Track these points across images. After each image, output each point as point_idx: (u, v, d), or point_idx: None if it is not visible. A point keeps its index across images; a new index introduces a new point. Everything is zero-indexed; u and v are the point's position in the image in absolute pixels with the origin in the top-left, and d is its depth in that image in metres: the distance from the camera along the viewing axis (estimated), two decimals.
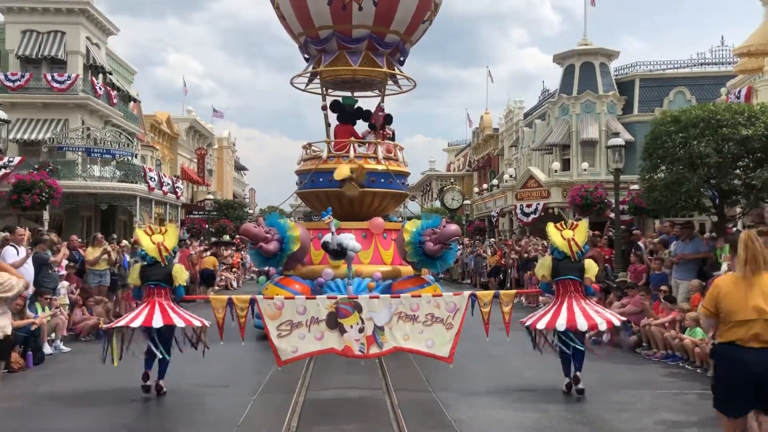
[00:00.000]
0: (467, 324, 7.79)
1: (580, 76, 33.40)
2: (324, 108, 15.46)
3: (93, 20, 31.54)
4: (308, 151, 15.41)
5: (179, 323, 7.66)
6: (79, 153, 28.52)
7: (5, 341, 5.47)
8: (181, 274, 7.99)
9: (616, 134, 14.49)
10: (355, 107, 15.95)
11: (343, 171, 13.67)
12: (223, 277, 25.13)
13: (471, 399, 7.88)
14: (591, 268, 8.24)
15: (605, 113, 32.86)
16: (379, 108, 15.45)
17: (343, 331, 7.48)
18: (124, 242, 18.36)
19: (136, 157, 31.77)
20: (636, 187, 22.19)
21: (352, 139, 14.71)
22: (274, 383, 8.45)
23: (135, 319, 7.59)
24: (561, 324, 7.67)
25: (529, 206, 32.55)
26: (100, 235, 15.61)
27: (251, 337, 8.88)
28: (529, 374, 9.19)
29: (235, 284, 26.47)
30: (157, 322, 7.49)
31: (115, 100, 32.83)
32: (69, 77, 29.41)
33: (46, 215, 26.84)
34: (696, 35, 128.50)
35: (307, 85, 16.09)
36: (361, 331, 7.49)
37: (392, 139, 15.40)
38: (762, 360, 4.50)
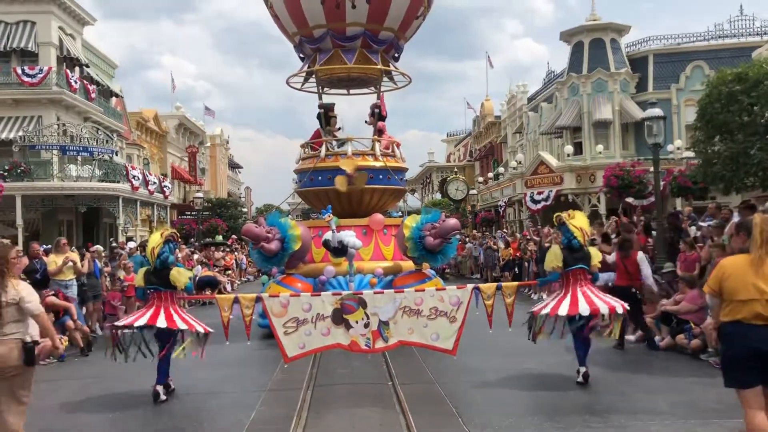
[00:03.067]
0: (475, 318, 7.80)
1: (590, 54, 31.33)
2: (320, 107, 15.38)
3: (65, 9, 29.24)
4: (306, 150, 15.38)
5: (181, 325, 7.63)
6: (54, 152, 26.28)
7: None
8: (178, 278, 7.86)
9: (654, 104, 12.41)
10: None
11: (347, 164, 13.77)
12: None
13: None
14: (596, 255, 8.23)
15: (618, 92, 30.81)
16: (375, 105, 15.49)
17: (348, 326, 7.55)
18: (96, 247, 16.27)
19: (117, 155, 29.55)
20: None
21: (353, 136, 14.94)
22: (278, 386, 8.36)
23: (138, 318, 7.67)
24: (563, 310, 7.65)
25: (540, 193, 30.39)
26: (63, 240, 13.78)
27: (255, 336, 8.73)
28: (541, 370, 8.80)
29: (229, 287, 24.29)
30: (161, 323, 7.51)
31: (93, 95, 30.55)
32: (41, 70, 27.15)
33: (19, 220, 24.76)
34: (712, 5, 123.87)
35: (303, 84, 16.27)
36: (366, 326, 7.55)
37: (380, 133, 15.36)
38: (764, 335, 4.66)
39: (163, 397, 7.67)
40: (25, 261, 11.91)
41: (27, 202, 25.14)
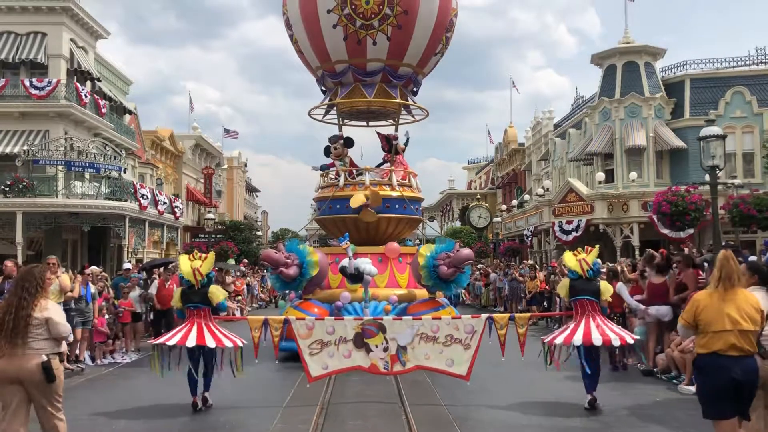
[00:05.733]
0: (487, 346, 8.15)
1: (623, 78, 29.85)
2: (340, 138, 15.74)
3: (78, 21, 28.22)
4: (326, 178, 15.83)
5: (210, 344, 7.97)
6: (59, 167, 25.06)
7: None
8: (217, 293, 8.49)
9: (711, 121, 10.87)
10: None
11: (358, 198, 14.07)
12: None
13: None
14: (606, 290, 8.46)
15: (652, 117, 29.23)
16: (393, 136, 15.94)
17: (368, 350, 8.00)
18: (91, 269, 14.87)
19: (125, 172, 28.27)
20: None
21: (369, 166, 15.43)
22: (293, 404, 8.64)
23: (172, 337, 8.07)
24: (577, 339, 7.85)
25: (569, 223, 28.68)
26: (53, 259, 12.56)
27: (270, 358, 9.20)
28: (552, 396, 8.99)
29: (238, 314, 22.72)
30: (191, 342, 7.90)
31: (104, 110, 29.45)
32: (50, 83, 26.00)
33: (19, 238, 23.50)
34: (736, 40, 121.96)
35: (324, 116, 16.75)
36: (385, 350, 7.98)
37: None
38: (739, 366, 4.91)
39: (211, 402, 8.41)
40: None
41: (28, 219, 23.87)
